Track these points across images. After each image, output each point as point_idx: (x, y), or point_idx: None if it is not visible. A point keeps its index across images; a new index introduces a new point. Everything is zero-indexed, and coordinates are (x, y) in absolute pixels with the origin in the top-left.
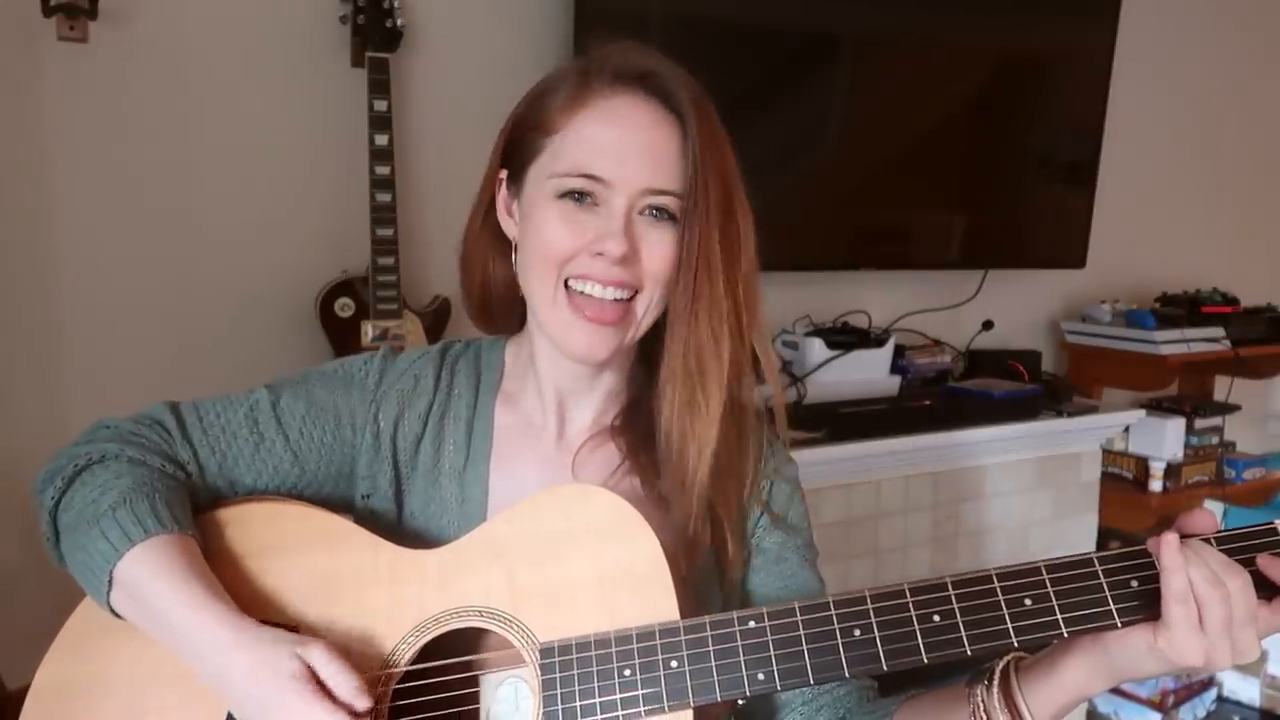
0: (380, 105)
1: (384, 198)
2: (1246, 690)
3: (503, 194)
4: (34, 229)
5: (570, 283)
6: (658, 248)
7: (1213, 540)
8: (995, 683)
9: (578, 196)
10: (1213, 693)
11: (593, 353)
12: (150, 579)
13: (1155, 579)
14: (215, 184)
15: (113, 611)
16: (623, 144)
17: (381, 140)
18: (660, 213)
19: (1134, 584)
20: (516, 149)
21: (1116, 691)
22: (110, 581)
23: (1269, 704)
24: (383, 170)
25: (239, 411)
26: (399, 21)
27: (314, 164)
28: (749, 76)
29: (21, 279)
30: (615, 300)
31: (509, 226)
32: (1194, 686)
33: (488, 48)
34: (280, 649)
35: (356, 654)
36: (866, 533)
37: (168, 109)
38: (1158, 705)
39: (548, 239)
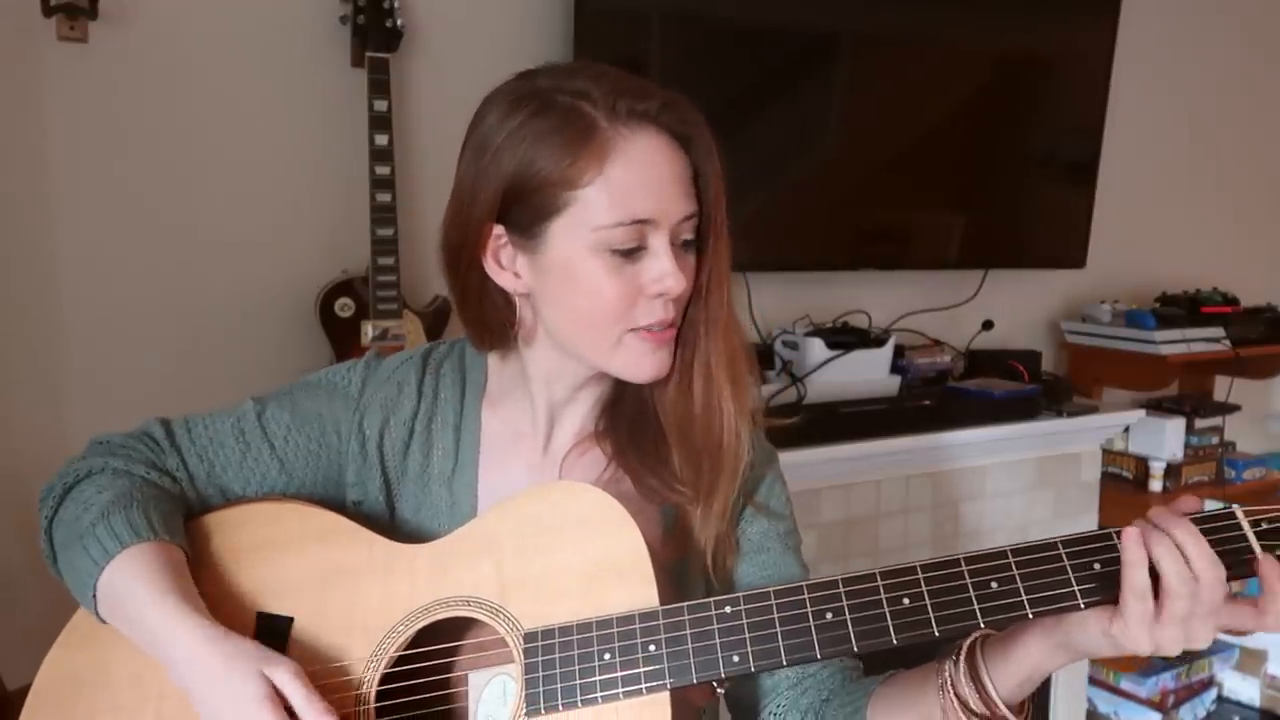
0: (380, 105)
1: (384, 198)
2: (1246, 690)
3: (492, 248)
4: (34, 228)
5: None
6: (689, 272)
7: None
8: (962, 658)
9: (626, 252)
10: (1213, 693)
11: (660, 371)
12: (126, 592)
13: (1117, 561)
14: (215, 184)
15: (105, 623)
16: (655, 180)
17: (381, 140)
18: (689, 241)
19: (1096, 566)
20: (522, 207)
21: (1116, 691)
22: (95, 597)
23: (1269, 704)
24: (383, 170)
25: (226, 422)
26: (399, 21)
27: (314, 164)
28: (748, 76)
29: (21, 277)
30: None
31: (504, 279)
32: (1194, 686)
33: (488, 48)
34: (247, 666)
35: (348, 642)
36: (866, 533)
37: (168, 109)
38: (1158, 705)
39: (605, 295)
